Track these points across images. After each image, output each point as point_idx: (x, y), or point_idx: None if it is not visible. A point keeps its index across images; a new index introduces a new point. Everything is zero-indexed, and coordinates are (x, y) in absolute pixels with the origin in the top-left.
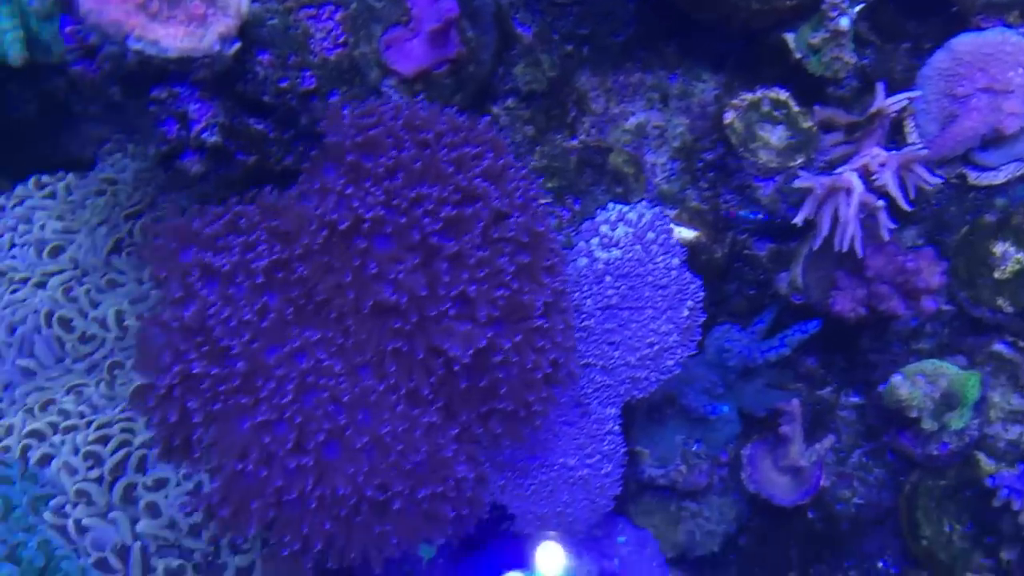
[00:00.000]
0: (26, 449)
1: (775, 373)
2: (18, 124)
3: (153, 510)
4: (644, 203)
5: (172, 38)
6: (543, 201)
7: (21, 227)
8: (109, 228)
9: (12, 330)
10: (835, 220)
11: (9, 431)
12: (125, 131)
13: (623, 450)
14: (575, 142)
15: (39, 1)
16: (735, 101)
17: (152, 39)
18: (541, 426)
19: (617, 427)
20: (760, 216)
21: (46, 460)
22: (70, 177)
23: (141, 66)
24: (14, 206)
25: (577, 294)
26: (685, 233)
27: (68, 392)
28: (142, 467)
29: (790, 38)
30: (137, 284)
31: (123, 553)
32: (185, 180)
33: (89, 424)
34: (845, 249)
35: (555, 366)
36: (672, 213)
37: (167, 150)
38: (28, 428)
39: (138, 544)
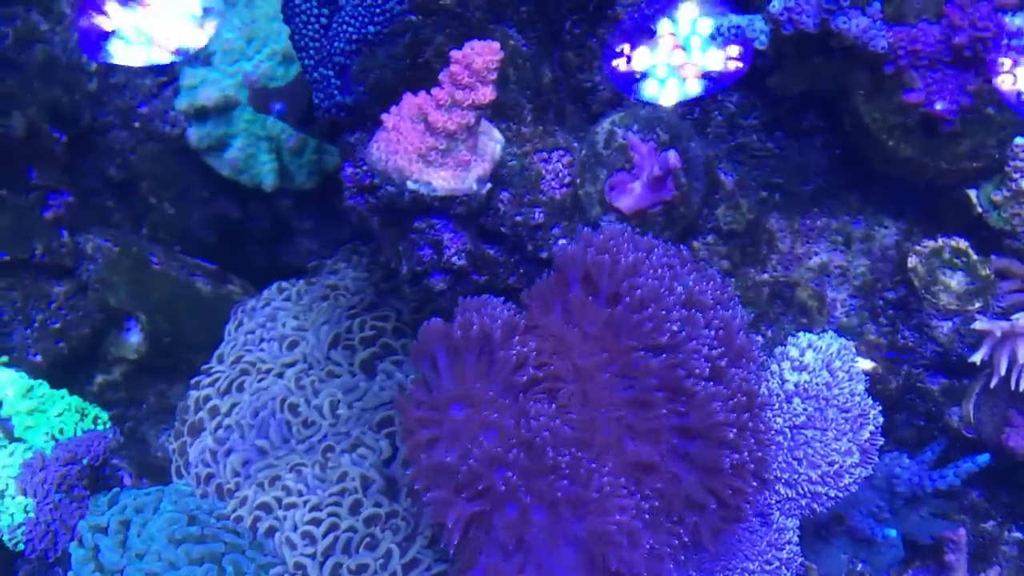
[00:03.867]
0: (256, 520)
1: (941, 503)
2: (252, 236)
3: None
4: (831, 333)
5: (443, 180)
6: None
7: (268, 324)
8: (331, 326)
9: (256, 414)
10: (1012, 361)
11: (243, 502)
12: (337, 245)
13: (799, 560)
14: (766, 276)
15: (295, 140)
16: (918, 247)
17: (426, 181)
18: (738, 525)
19: (796, 538)
20: None
21: (271, 532)
22: (301, 283)
23: (413, 203)
24: (263, 306)
25: (768, 412)
26: (862, 363)
27: (291, 470)
28: (347, 549)
29: (973, 194)
30: (350, 376)
31: None
32: (429, 295)
33: (305, 503)
34: (1021, 390)
35: (758, 466)
36: (851, 345)
37: (421, 270)
38: (258, 501)
39: None
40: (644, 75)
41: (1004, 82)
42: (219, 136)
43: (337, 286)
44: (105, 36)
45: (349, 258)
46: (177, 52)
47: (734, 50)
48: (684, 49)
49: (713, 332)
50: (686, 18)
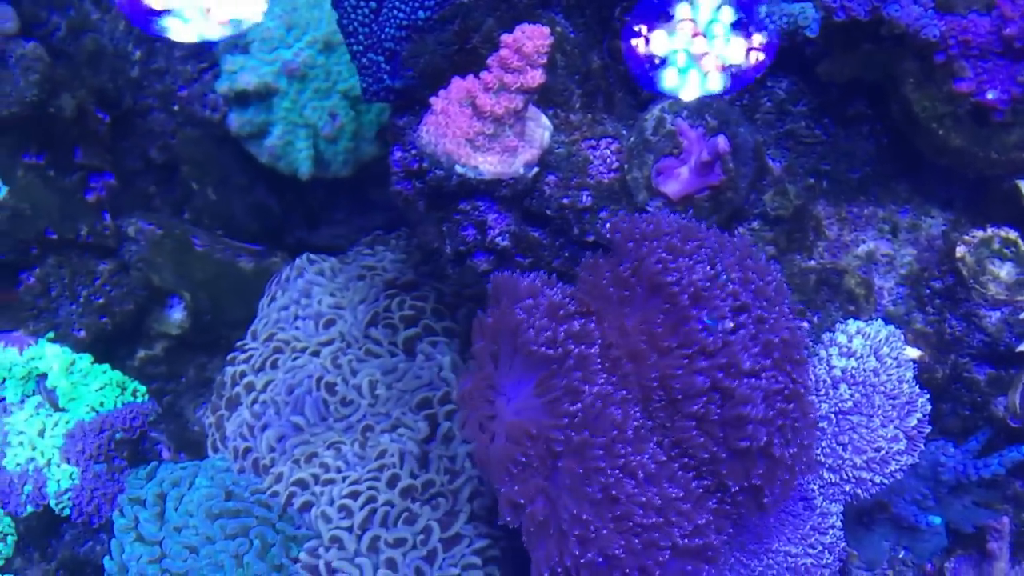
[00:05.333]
0: (291, 496)
1: (984, 492)
2: (288, 223)
3: (391, 565)
4: (880, 320)
5: (489, 164)
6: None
7: (303, 300)
8: (368, 305)
9: (290, 391)
10: None
11: (279, 479)
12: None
13: (842, 545)
14: (812, 263)
15: (330, 127)
16: (967, 237)
17: (473, 165)
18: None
19: (839, 523)
20: None
21: (306, 507)
22: (333, 260)
23: (460, 186)
24: (296, 277)
25: (815, 397)
26: (909, 352)
27: (328, 447)
28: (385, 523)
29: (1022, 184)
30: (390, 356)
31: None
32: (472, 275)
33: (344, 479)
34: None
35: (802, 449)
36: (899, 332)
37: (464, 250)
38: (294, 477)
39: None
40: (664, 62)
41: None
42: (259, 123)
43: (374, 267)
44: (156, 13)
45: (386, 242)
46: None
47: (759, 40)
48: (706, 37)
49: (766, 326)
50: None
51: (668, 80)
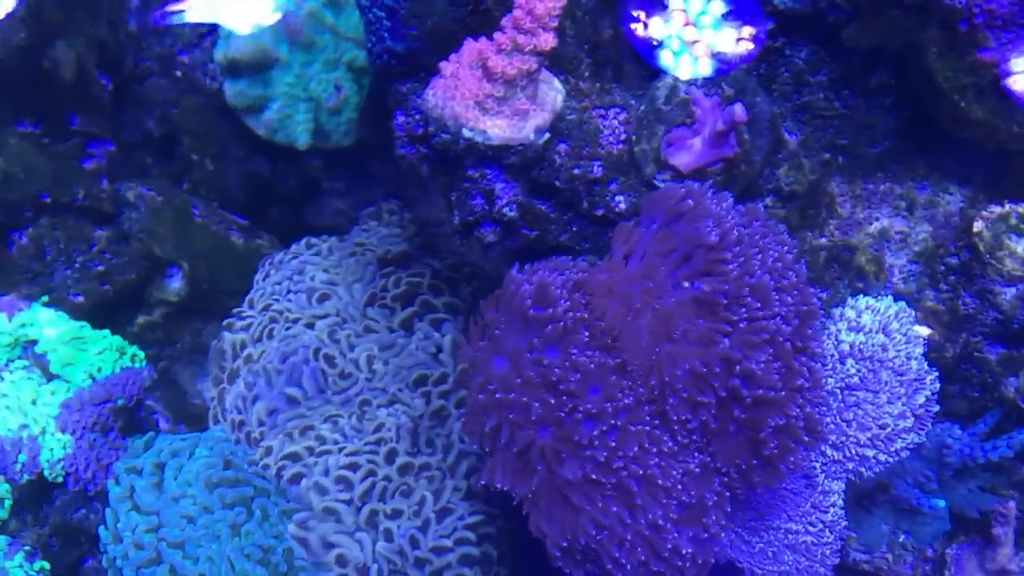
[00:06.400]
0: (281, 469)
1: (990, 476)
2: (281, 196)
3: (388, 535)
4: (890, 297)
5: (498, 128)
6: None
7: (296, 277)
8: (364, 284)
9: (284, 359)
10: None
11: (269, 452)
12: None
13: (843, 523)
14: (823, 240)
15: (335, 98)
16: (985, 212)
17: (482, 129)
18: (789, 476)
19: (841, 501)
20: None
21: (296, 479)
22: (332, 240)
23: (467, 151)
24: (290, 260)
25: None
26: (919, 330)
27: (326, 420)
28: (383, 496)
29: None
30: (388, 332)
31: (363, 572)
32: (478, 247)
33: (341, 450)
34: None
35: (809, 421)
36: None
37: (472, 220)
38: (286, 451)
39: (376, 566)
40: (661, 44)
41: (1016, 83)
42: (255, 97)
43: (365, 243)
44: None
45: (379, 216)
46: None
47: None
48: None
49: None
50: None
51: (664, 60)
